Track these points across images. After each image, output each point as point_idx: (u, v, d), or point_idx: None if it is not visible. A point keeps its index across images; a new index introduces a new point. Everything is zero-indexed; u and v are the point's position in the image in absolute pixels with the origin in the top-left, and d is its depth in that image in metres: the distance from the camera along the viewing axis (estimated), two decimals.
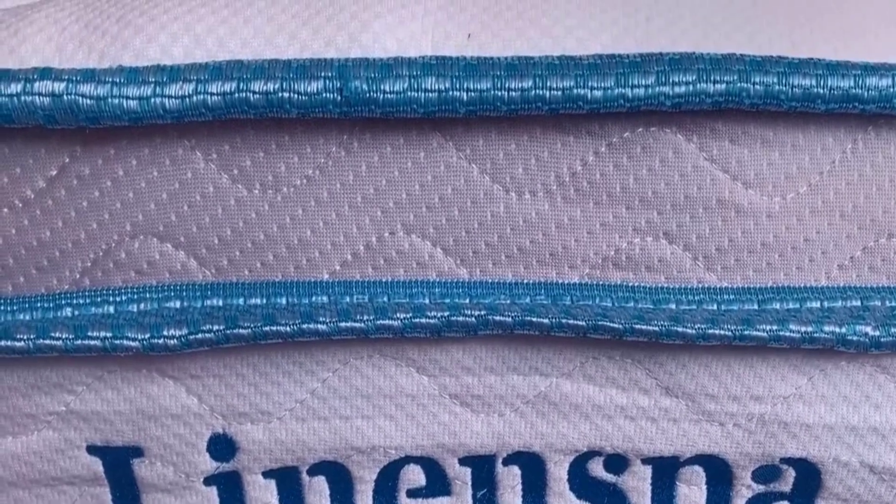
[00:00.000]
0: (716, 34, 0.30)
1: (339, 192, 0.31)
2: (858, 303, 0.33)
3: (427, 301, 0.32)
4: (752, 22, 0.30)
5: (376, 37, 0.29)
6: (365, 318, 0.31)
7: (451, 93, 0.28)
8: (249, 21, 0.29)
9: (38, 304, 0.31)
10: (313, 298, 0.32)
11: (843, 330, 0.31)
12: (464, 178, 0.31)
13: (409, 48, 0.29)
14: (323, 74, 0.27)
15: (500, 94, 0.28)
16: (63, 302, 0.31)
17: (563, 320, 0.31)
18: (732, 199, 0.31)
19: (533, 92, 0.28)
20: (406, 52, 0.29)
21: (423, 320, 0.31)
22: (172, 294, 0.32)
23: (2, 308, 0.31)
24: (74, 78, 0.27)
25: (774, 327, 0.31)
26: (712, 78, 0.28)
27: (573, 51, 0.29)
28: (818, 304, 0.32)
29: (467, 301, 0.32)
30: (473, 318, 0.31)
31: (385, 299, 0.32)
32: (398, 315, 0.31)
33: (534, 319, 0.31)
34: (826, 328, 0.31)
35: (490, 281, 0.32)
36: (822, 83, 0.29)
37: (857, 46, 0.30)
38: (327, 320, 0.31)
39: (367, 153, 0.30)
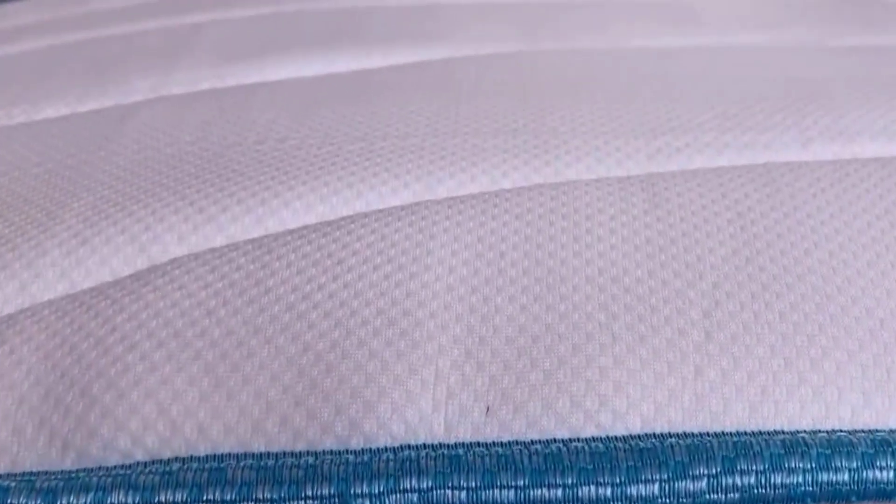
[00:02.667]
0: None
1: None
2: None
3: None
4: None
5: (381, 422, 0.25)
6: None
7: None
8: (234, 397, 0.25)
9: None
10: None
11: None
12: None
13: (419, 433, 0.25)
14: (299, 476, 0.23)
15: None
16: None
17: None
18: None
19: None
20: (416, 438, 0.25)
21: None
22: None
23: None
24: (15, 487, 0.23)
25: None
26: (772, 482, 0.25)
27: (607, 428, 0.25)
28: None
29: None
30: None
31: None
32: None
33: None
34: None
35: None
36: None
37: None
38: None
39: None
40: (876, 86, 0.49)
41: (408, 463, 0.24)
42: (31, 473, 0.24)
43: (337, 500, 0.23)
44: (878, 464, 0.25)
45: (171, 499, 0.23)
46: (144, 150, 0.40)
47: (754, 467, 0.25)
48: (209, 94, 0.48)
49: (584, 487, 0.24)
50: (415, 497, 0.23)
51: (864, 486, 0.25)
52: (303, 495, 0.23)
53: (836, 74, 0.51)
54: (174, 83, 0.50)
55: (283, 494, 0.23)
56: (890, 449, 0.26)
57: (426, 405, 0.25)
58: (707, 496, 0.24)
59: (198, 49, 0.56)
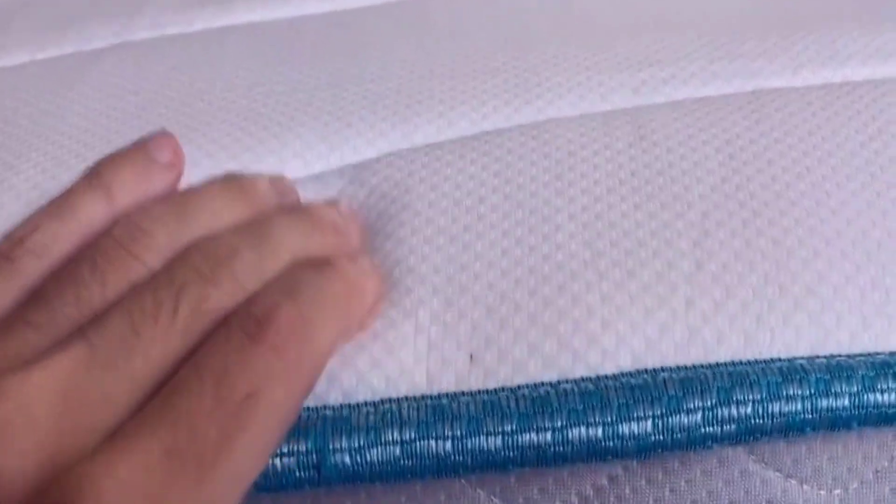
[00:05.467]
0: None
1: None
2: None
3: None
4: None
5: (360, 376, 0.24)
6: None
7: (452, 458, 0.23)
8: None
9: None
10: None
11: None
12: None
13: (400, 386, 0.24)
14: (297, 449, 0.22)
15: (511, 454, 0.23)
16: None
17: None
18: (786, 498, 0.27)
19: (552, 449, 0.23)
20: (398, 391, 0.24)
21: None
22: None
23: None
24: None
25: None
26: (770, 411, 0.24)
27: (597, 367, 0.24)
28: None
29: None
30: None
31: None
32: None
33: None
34: None
35: None
36: None
37: None
38: None
39: None
40: (866, 9, 0.47)
41: (388, 415, 0.23)
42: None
43: (315, 455, 0.22)
44: (878, 386, 0.24)
45: None
46: (107, 98, 0.39)
47: (751, 397, 0.24)
48: (176, 40, 0.46)
49: (573, 429, 0.23)
50: (397, 449, 0.22)
51: (864, 411, 0.24)
52: (278, 452, 0.22)
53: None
54: (139, 28, 0.48)
55: None
56: (891, 371, 0.25)
57: (406, 357, 0.24)
58: (702, 430, 0.24)
59: None
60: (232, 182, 0.27)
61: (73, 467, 0.19)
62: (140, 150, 0.26)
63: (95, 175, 0.25)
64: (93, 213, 0.24)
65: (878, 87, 0.38)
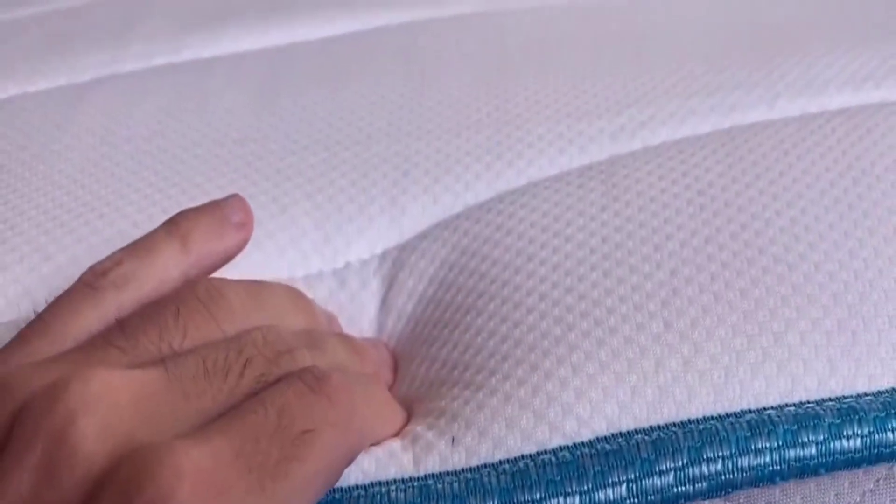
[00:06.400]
0: None
1: None
2: None
3: None
4: None
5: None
6: None
7: None
8: None
9: None
10: None
11: None
12: None
13: (389, 468, 0.26)
14: None
15: None
16: None
17: None
18: None
19: None
20: (387, 474, 0.26)
21: None
22: None
23: None
24: None
25: None
26: (739, 466, 0.25)
27: (573, 435, 0.26)
28: None
29: None
30: None
31: None
32: None
33: None
34: None
35: None
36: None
37: None
38: None
39: None
40: (841, 29, 0.48)
41: (378, 497, 0.25)
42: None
43: None
44: (844, 433, 0.26)
45: None
46: (100, 146, 0.40)
47: (721, 453, 0.25)
48: (165, 72, 0.48)
49: (552, 500, 0.25)
50: None
51: (831, 458, 0.25)
52: None
53: (801, 17, 0.51)
54: (129, 57, 0.49)
55: None
56: (856, 416, 0.26)
57: (395, 446, 0.26)
58: (675, 489, 0.25)
59: (153, 17, 0.54)
60: (295, 291, 0.30)
61: (150, 446, 0.21)
62: (216, 207, 0.30)
63: (174, 224, 0.28)
64: (168, 258, 0.27)
65: (851, 119, 0.39)
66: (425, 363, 0.30)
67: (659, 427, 0.26)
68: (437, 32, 0.51)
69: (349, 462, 0.24)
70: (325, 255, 0.35)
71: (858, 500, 0.27)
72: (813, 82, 0.43)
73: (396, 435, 0.27)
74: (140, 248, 0.27)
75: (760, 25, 0.50)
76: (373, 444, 0.26)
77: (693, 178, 0.36)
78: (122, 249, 0.27)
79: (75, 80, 0.48)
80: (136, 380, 0.23)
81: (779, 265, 0.30)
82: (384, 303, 0.34)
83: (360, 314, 0.33)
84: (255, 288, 0.28)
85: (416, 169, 0.38)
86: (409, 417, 0.28)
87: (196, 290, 0.26)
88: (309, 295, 0.33)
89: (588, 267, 0.30)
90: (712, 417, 0.27)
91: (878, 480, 0.27)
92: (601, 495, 0.25)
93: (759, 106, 0.42)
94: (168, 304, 0.26)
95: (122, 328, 0.25)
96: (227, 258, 0.29)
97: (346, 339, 0.30)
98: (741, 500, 0.27)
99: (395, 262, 0.34)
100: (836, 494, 0.27)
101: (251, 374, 0.24)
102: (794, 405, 0.27)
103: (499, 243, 0.33)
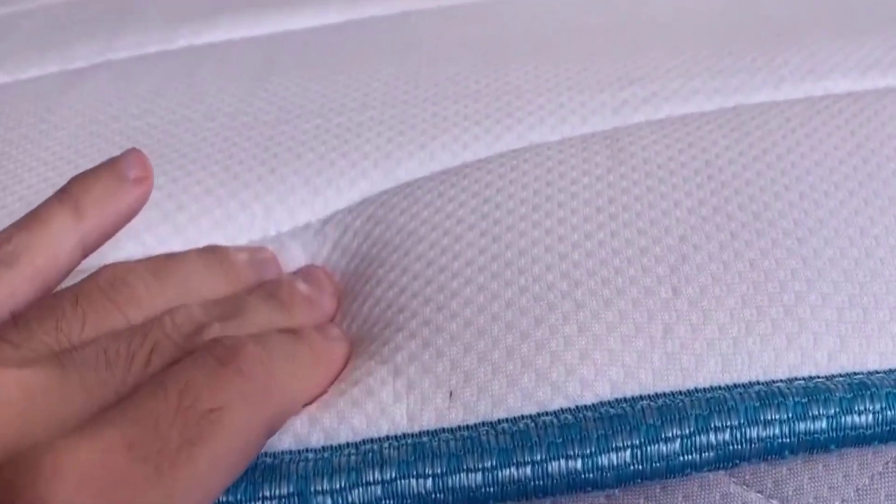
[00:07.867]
0: None
1: None
2: None
3: None
4: None
5: (342, 417, 0.24)
6: None
7: (433, 496, 0.23)
8: None
9: None
10: None
11: None
12: None
13: (381, 425, 0.24)
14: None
15: (492, 490, 0.23)
16: None
17: None
18: None
19: (533, 483, 0.23)
20: (379, 431, 0.24)
21: None
22: None
23: None
24: None
25: None
26: (748, 437, 0.24)
27: (576, 398, 0.25)
28: None
29: None
30: None
31: None
32: None
33: None
34: None
35: None
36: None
37: None
38: None
39: None
40: (846, 21, 0.48)
41: (370, 455, 0.23)
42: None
43: (296, 498, 0.22)
44: (856, 408, 0.25)
45: None
46: (89, 124, 0.39)
47: (729, 423, 0.24)
48: (158, 59, 0.47)
49: (553, 462, 0.23)
50: (378, 489, 0.23)
51: (842, 433, 0.24)
52: (260, 496, 0.23)
53: (806, 11, 0.50)
54: (122, 46, 0.48)
55: (239, 497, 0.22)
56: (868, 392, 0.25)
57: (387, 397, 0.25)
58: (681, 458, 0.24)
59: (147, 8, 0.54)
60: (212, 254, 0.28)
61: (34, 447, 0.20)
62: (109, 167, 0.27)
63: (65, 191, 0.26)
64: (61, 227, 0.25)
65: (857, 101, 0.38)
66: (417, 299, 0.28)
67: (665, 394, 0.25)
68: (438, 21, 0.50)
69: (270, 434, 0.23)
70: (314, 208, 0.33)
71: (867, 482, 0.26)
72: (817, 68, 0.42)
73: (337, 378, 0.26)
74: (30, 220, 0.25)
75: (764, 15, 0.50)
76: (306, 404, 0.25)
77: (699, 149, 0.34)
78: (12, 224, 0.25)
79: (67, 67, 0.47)
80: (28, 377, 0.21)
81: (788, 239, 0.29)
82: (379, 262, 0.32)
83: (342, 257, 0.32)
84: (161, 265, 0.26)
85: (412, 130, 0.37)
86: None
87: (96, 278, 0.25)
88: (294, 247, 0.32)
89: (595, 225, 0.29)
90: (720, 387, 0.25)
91: (887, 463, 0.26)
92: (604, 459, 0.23)
93: (763, 89, 0.41)
94: (66, 294, 0.24)
95: (14, 321, 0.23)
96: (128, 216, 0.27)
97: (269, 294, 0.28)
98: (747, 477, 0.26)
99: (385, 205, 0.33)
100: (844, 476, 0.26)
101: (158, 360, 0.23)
102: (804, 379, 0.26)
103: (502, 190, 0.31)
